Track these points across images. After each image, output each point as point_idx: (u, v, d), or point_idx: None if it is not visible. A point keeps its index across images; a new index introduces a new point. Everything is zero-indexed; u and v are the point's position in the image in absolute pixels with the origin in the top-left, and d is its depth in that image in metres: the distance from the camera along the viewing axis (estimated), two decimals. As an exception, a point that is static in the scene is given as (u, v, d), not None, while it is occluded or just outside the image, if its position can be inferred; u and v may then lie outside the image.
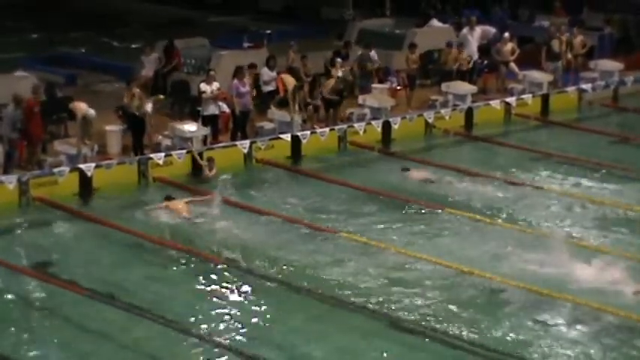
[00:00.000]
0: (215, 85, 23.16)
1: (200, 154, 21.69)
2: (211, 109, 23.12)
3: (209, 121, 23.04)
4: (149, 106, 22.09)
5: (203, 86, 23.17)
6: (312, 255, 17.56)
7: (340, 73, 25.00)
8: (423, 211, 19.83)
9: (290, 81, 24.44)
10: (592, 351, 14.31)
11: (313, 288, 16.25)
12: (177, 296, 16.15)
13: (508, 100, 26.66)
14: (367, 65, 26.84)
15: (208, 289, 16.38)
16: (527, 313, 15.43)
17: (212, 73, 23.66)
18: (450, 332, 14.79)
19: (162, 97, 23.87)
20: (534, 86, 27.55)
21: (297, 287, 16.34)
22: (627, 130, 26.20)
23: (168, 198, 19.49)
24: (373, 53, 27.03)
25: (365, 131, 24.09)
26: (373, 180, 21.65)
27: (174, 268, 17.21)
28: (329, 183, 21.58)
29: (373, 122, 24.40)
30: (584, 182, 21.69)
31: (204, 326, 15.04)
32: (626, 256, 17.42)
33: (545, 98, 27.45)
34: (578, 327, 15.01)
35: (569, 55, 28.94)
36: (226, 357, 14.16)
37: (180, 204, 19.16)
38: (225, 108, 23.45)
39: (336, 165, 22.92)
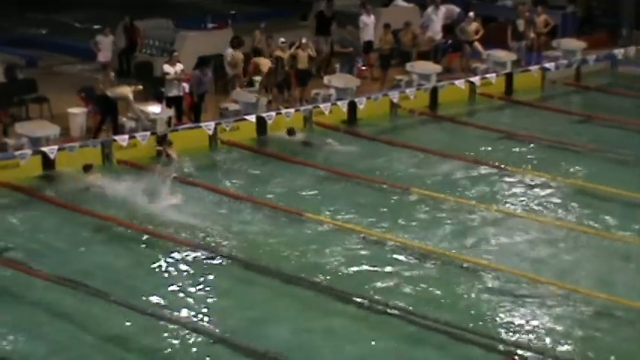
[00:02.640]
0: (179, 66, 23.00)
1: (164, 138, 21.51)
2: (175, 91, 22.98)
3: (173, 102, 22.91)
4: (128, 92, 21.94)
5: (166, 67, 23.01)
6: (278, 236, 17.51)
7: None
8: (389, 191, 19.85)
9: (264, 62, 24.35)
10: (549, 322, 14.45)
11: (277, 268, 16.21)
12: (140, 277, 16.08)
13: (472, 79, 26.70)
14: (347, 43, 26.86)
15: (172, 270, 16.30)
16: (494, 291, 15.49)
17: (175, 54, 23.49)
18: (415, 310, 14.80)
19: (140, 87, 23.57)
20: (498, 65, 27.61)
21: (261, 267, 16.28)
22: (590, 109, 26.33)
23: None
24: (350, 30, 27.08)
25: (330, 111, 24.04)
26: (339, 160, 21.61)
27: (137, 250, 17.11)
28: (295, 164, 21.53)
29: (339, 102, 24.35)
30: (548, 161, 21.78)
31: (165, 305, 15.03)
32: (588, 232, 17.59)
33: (509, 77, 27.52)
34: (542, 302, 15.10)
35: (533, 35, 29.07)
36: (190, 337, 14.10)
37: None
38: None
39: (302, 145, 22.84)
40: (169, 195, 19.01)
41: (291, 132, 23.05)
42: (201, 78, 23.05)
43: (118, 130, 21.79)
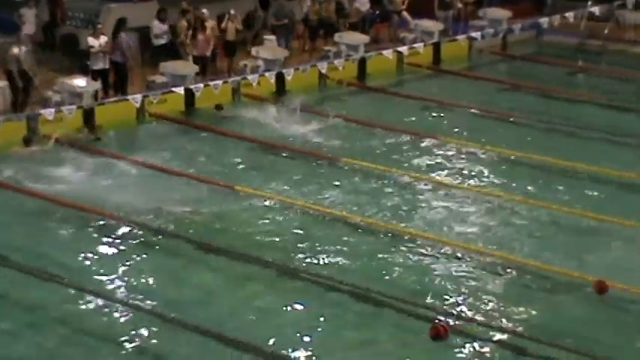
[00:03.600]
0: (103, 38, 22.71)
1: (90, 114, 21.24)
2: (100, 64, 22.67)
3: (98, 75, 22.61)
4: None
5: (91, 40, 22.69)
6: (208, 209, 17.39)
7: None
8: (319, 163, 19.84)
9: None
10: (481, 291, 14.57)
11: (208, 242, 16.11)
12: (66, 253, 15.89)
13: (400, 49, 26.74)
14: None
15: (99, 246, 16.11)
16: (425, 260, 15.59)
17: (100, 26, 23.17)
18: (345, 280, 14.82)
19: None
20: (426, 35, 27.69)
21: (192, 241, 16.17)
22: (516, 78, 26.58)
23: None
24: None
25: (259, 83, 23.91)
26: (269, 132, 21.53)
27: (62, 225, 16.87)
28: (224, 136, 21.39)
29: (267, 74, 24.22)
30: (476, 130, 21.95)
31: (94, 281, 14.88)
32: (517, 200, 17.78)
33: (436, 47, 27.63)
34: (473, 271, 15.22)
35: (459, 4, 29.22)
36: (126, 314, 13.98)
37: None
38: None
39: (231, 117, 22.68)
40: (100, 170, 18.80)
41: (219, 107, 22.85)
42: (128, 42, 22.80)
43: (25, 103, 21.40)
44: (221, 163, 19.87)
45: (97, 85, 22.26)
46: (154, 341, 13.29)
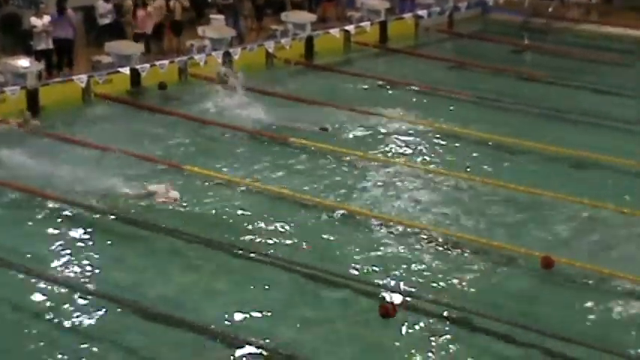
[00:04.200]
0: (46, 18, 22.45)
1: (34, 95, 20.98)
2: (43, 44, 22.41)
3: (42, 55, 22.35)
4: None
5: (34, 20, 22.44)
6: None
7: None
8: (268, 142, 19.81)
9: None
10: (426, 267, 14.69)
11: (155, 222, 15.99)
12: (8, 233, 15.78)
13: (347, 28, 26.75)
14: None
15: (42, 226, 16.01)
16: (373, 238, 15.64)
17: (43, 6, 22.90)
18: (292, 259, 14.84)
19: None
20: (372, 13, 27.70)
21: (138, 222, 16.06)
22: (463, 56, 26.71)
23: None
24: None
25: (206, 63, 23.79)
26: (216, 112, 21.42)
27: (13, 210, 16.72)
28: (170, 116, 21.26)
29: (214, 53, 24.11)
30: (423, 108, 22.05)
31: (37, 261, 14.79)
32: (464, 177, 17.90)
33: (383, 25, 27.66)
34: (421, 248, 15.29)
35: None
36: (74, 297, 13.89)
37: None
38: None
39: (178, 97, 22.56)
40: (42, 152, 18.61)
41: (162, 86, 22.71)
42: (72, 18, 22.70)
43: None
44: (168, 142, 19.76)
45: (41, 65, 22.00)
46: (103, 325, 13.22)
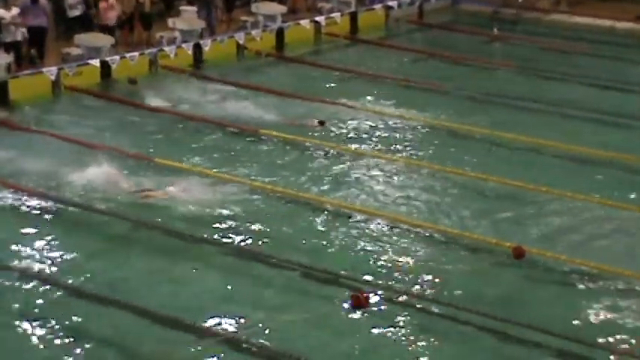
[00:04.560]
0: (15, 10, 22.33)
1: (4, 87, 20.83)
2: (12, 36, 22.27)
3: (11, 47, 22.20)
4: None
5: (2, 12, 22.29)
6: (129, 182, 17.17)
7: None
8: (238, 134, 19.79)
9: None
10: (401, 259, 14.73)
11: (124, 215, 15.95)
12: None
13: (317, 19, 26.75)
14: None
15: (17, 222, 15.88)
16: (346, 230, 15.67)
17: (11, -3, 22.84)
18: (264, 251, 14.86)
19: None
20: (343, 4, 27.71)
21: (112, 213, 16.03)
22: (433, 46, 26.78)
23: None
24: None
25: (176, 55, 23.73)
26: (186, 104, 21.38)
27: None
28: (140, 109, 21.20)
29: (184, 45, 24.05)
30: (394, 99, 22.08)
31: (14, 257, 14.73)
32: (438, 169, 17.99)
33: (353, 16, 27.68)
34: (394, 240, 15.33)
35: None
36: (41, 289, 13.85)
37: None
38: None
39: (148, 90, 22.48)
40: (14, 144, 18.52)
41: (132, 81, 22.59)
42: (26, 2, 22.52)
43: None
44: (139, 135, 19.70)
45: (10, 57, 21.87)
46: (67, 315, 13.20)
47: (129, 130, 19.97)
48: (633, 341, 12.56)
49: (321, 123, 20.15)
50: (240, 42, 25.06)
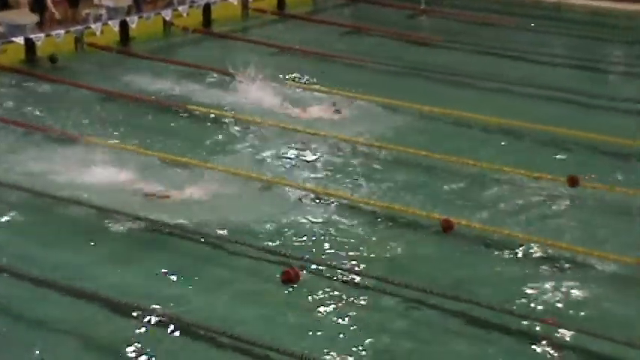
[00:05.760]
0: None
1: None
2: None
3: None
4: None
5: None
6: (51, 161, 16.98)
7: None
8: (166, 111, 19.68)
9: None
10: (333, 235, 14.82)
11: (51, 193, 15.70)
12: None
13: (245, -6, 26.70)
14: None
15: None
16: (277, 205, 15.65)
17: None
18: (194, 228, 14.74)
19: None
20: (269, -20, 27.68)
21: (39, 193, 15.76)
22: (360, 21, 26.88)
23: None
24: None
25: (102, 32, 23.49)
26: (114, 82, 21.20)
27: None
28: (68, 85, 20.96)
29: (110, 22, 23.81)
30: (322, 74, 22.11)
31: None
32: (360, 141, 18.11)
33: (280, -8, 27.69)
34: (327, 215, 15.41)
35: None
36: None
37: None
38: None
39: (75, 68, 22.23)
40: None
41: (53, 59, 22.30)
42: None
43: None
44: (66, 113, 19.41)
45: None
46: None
47: (57, 107, 19.65)
48: (557, 308, 12.81)
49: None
50: (167, 18, 24.89)
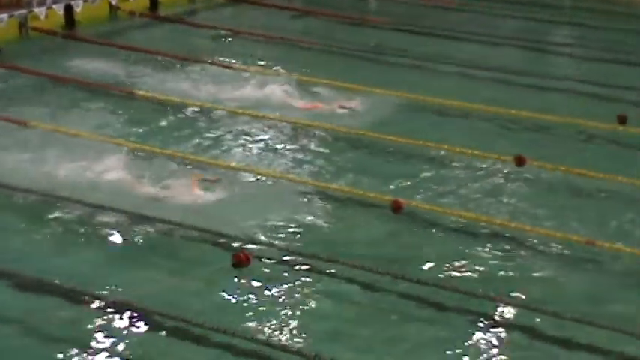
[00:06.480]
0: None
1: None
2: None
3: None
4: None
5: None
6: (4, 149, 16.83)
7: None
8: (114, 95, 19.51)
9: None
10: (284, 217, 14.80)
11: (5, 182, 15.57)
12: None
13: (192, -23, 26.55)
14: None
15: None
16: (229, 189, 15.60)
17: None
18: (145, 213, 14.65)
19: None
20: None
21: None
22: (308, 4, 26.87)
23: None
24: None
25: (47, 16, 23.21)
26: (60, 67, 20.96)
27: None
28: (13, 70, 20.69)
29: (54, 6, 23.53)
30: (273, 57, 22.06)
31: None
32: (314, 125, 18.03)
33: (226, -25, 27.56)
34: (280, 198, 15.35)
35: None
36: None
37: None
38: None
39: (20, 53, 21.95)
40: None
41: None
42: None
43: None
44: (11, 98, 19.22)
45: None
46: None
47: (2, 93, 19.43)
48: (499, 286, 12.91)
49: (350, 108, 19.35)
50: (113, 2, 24.66)
